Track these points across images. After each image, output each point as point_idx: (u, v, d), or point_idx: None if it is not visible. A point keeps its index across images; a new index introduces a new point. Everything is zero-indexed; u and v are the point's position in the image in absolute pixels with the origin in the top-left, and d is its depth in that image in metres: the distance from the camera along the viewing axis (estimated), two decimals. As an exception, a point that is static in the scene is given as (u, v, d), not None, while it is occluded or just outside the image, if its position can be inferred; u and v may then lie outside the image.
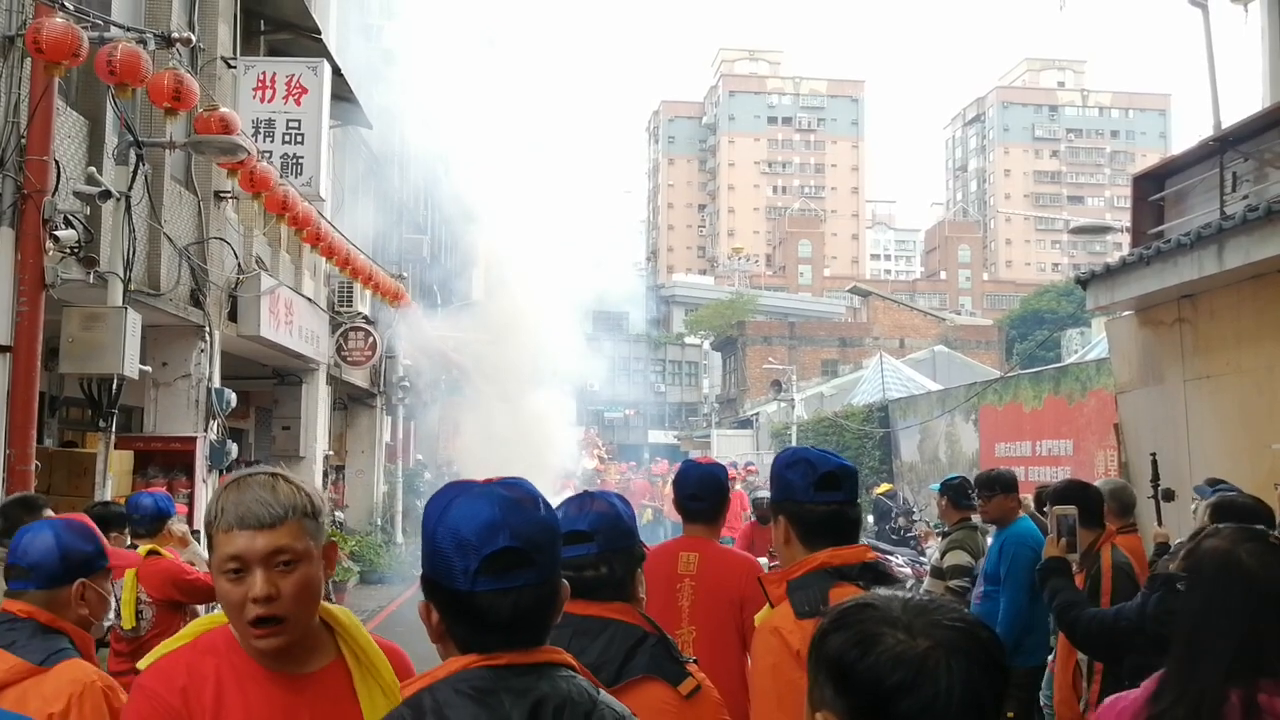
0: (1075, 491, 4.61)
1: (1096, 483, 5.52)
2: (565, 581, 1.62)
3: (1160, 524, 5.57)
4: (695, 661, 2.26)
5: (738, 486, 15.19)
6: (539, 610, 1.55)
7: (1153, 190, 8.80)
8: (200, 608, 5.43)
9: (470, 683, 1.51)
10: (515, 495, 1.57)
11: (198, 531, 6.68)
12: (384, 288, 14.64)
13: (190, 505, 9.45)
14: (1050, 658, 5.18)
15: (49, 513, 4.30)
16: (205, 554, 5.53)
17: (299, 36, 12.32)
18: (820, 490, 2.57)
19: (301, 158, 11.42)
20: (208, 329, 10.07)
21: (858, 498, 2.71)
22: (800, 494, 2.59)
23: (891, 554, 11.85)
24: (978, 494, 5.88)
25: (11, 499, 4.42)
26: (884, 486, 16.86)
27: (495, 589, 1.51)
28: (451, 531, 1.53)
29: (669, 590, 3.59)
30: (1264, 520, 3.79)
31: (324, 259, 12.88)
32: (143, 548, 4.89)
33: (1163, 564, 4.14)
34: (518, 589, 1.51)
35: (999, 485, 5.69)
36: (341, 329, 15.33)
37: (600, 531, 2.27)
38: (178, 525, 5.18)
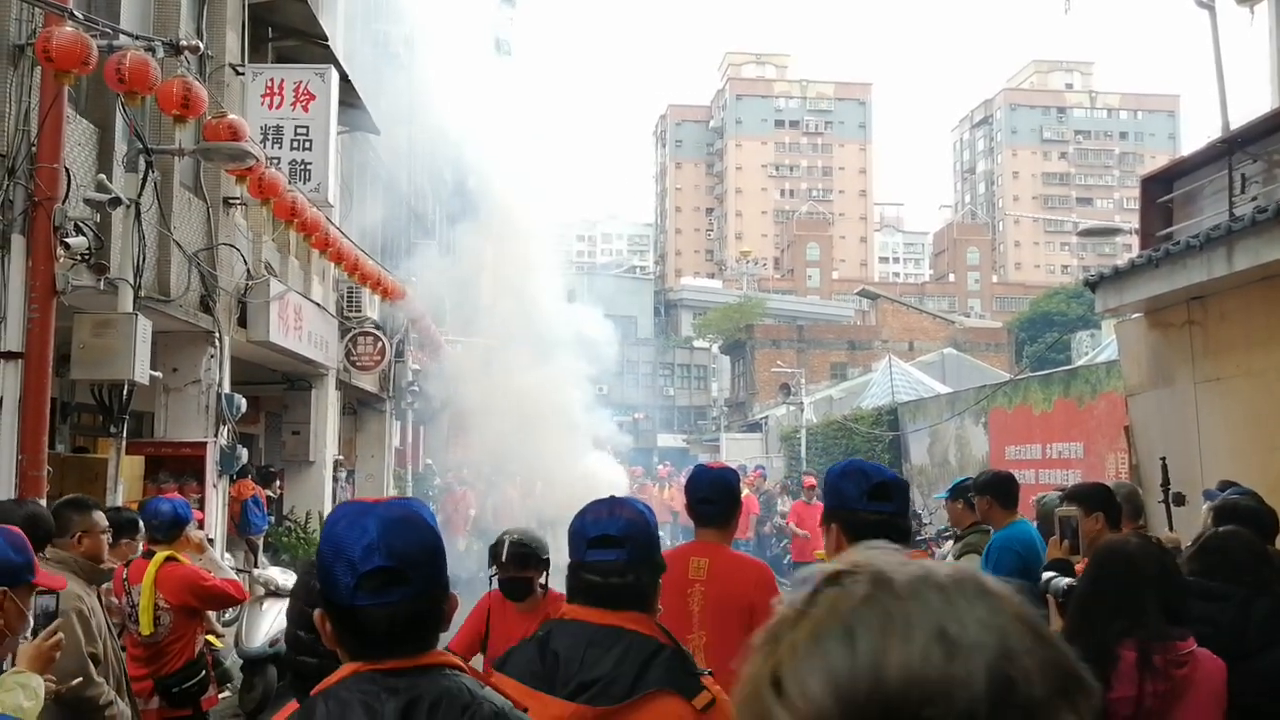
0: (1100, 495, 4.56)
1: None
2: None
3: (1171, 528, 5.56)
4: (710, 674, 2.24)
5: (814, 499, 14.32)
6: (416, 623, 1.64)
7: (1161, 192, 8.78)
8: (211, 614, 5.46)
9: (354, 686, 1.60)
10: (398, 515, 1.66)
11: (212, 539, 6.71)
12: (392, 292, 14.68)
13: (200, 510, 9.48)
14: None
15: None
16: (221, 560, 5.53)
17: (307, 43, 12.37)
18: (873, 500, 2.61)
19: (310, 164, 11.46)
20: (217, 334, 10.11)
21: (909, 510, 2.73)
22: (853, 502, 2.62)
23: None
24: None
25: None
26: (893, 490, 16.74)
27: (372, 604, 1.60)
28: (336, 549, 1.63)
29: (680, 595, 3.58)
30: (1266, 523, 3.78)
31: (332, 264, 12.92)
32: (160, 554, 4.91)
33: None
34: (393, 604, 1.60)
35: (976, 489, 5.73)
36: (350, 334, 15.37)
37: (631, 539, 2.27)
38: (195, 532, 5.20)
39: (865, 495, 2.61)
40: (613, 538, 2.25)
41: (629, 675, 2.12)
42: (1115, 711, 2.71)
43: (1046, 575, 3.56)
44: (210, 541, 6.26)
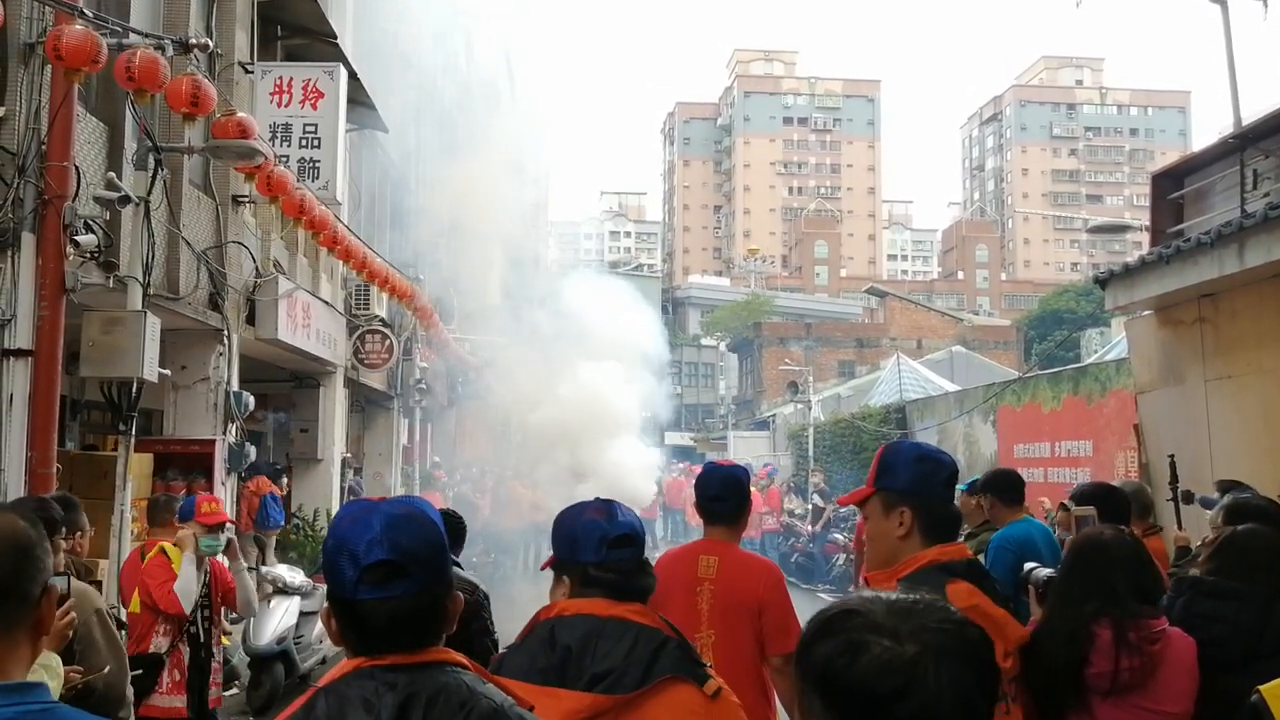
0: (1100, 494, 4.56)
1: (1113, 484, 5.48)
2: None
3: (1180, 526, 5.53)
4: (711, 666, 2.30)
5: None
6: (416, 618, 1.65)
7: (1172, 188, 8.73)
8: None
9: (354, 682, 1.62)
10: (401, 512, 1.69)
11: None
12: (400, 290, 14.70)
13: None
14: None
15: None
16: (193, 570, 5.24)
17: (315, 41, 12.39)
18: (947, 488, 2.56)
19: (318, 162, 11.47)
20: (226, 332, 10.13)
21: None
22: (934, 489, 2.54)
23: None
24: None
25: (62, 498, 4.54)
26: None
27: (374, 598, 1.63)
28: (340, 543, 1.66)
29: (689, 594, 3.58)
30: (1275, 521, 3.76)
31: (341, 262, 12.93)
32: (158, 544, 5.02)
33: (1183, 568, 4.10)
34: (395, 598, 1.63)
35: (979, 488, 5.71)
36: (358, 332, 15.39)
37: (639, 537, 2.35)
38: (184, 531, 5.19)
39: (943, 484, 2.55)
40: (630, 537, 2.32)
41: (640, 665, 2.17)
42: (1094, 686, 2.80)
43: (1028, 566, 3.58)
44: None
